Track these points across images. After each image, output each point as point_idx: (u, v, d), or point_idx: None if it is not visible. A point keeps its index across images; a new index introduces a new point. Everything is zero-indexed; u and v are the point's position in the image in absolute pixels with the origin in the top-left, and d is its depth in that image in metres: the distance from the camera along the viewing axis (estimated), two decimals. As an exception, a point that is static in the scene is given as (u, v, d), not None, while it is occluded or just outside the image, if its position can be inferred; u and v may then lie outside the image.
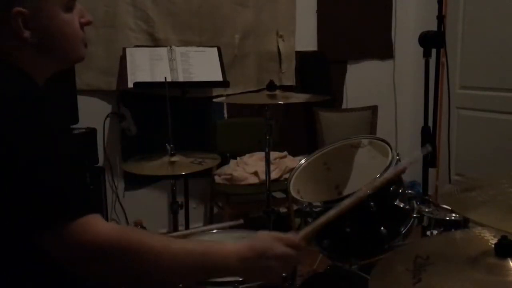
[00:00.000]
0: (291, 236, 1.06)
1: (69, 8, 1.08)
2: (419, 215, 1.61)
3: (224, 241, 1.71)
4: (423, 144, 2.12)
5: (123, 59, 2.98)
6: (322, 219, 1.14)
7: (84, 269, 0.95)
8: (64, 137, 1.01)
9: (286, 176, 2.95)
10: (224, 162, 3.18)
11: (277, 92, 2.15)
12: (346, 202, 1.20)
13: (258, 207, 2.66)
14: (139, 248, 0.94)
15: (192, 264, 0.97)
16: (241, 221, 1.76)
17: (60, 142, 0.97)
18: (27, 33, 1.02)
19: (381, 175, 1.58)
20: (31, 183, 0.91)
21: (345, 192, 1.65)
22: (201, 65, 3.06)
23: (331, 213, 1.16)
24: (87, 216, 0.92)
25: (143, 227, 1.62)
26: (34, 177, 0.91)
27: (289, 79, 3.65)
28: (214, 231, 1.84)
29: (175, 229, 2.80)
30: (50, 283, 1.03)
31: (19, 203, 0.91)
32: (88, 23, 1.14)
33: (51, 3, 1.04)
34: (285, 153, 3.26)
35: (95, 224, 0.93)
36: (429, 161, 2.13)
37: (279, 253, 1.01)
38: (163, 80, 2.67)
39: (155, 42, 3.16)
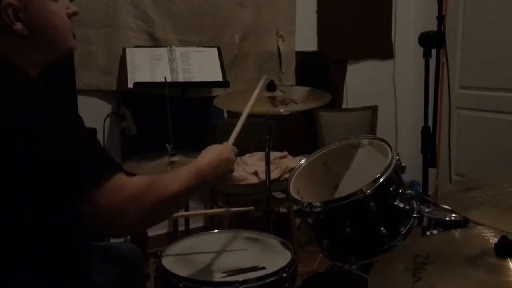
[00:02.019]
0: (226, 145, 1.43)
1: None
2: (419, 215, 1.61)
3: (223, 241, 1.72)
4: (423, 144, 2.12)
5: (123, 59, 2.97)
6: (239, 123, 1.59)
7: (122, 225, 1.06)
8: (72, 117, 1.09)
9: (286, 176, 2.95)
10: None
11: (278, 93, 2.14)
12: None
13: (258, 207, 2.65)
14: (160, 184, 1.12)
15: (194, 183, 1.20)
16: (251, 208, 1.80)
17: (70, 122, 1.05)
18: (18, 25, 1.03)
19: (381, 175, 1.58)
20: (57, 163, 0.98)
21: (345, 192, 1.65)
22: (201, 65, 3.06)
23: (244, 115, 1.61)
24: (115, 176, 1.04)
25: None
26: (58, 157, 0.98)
27: (289, 79, 3.65)
28: (215, 231, 1.84)
29: (175, 229, 2.81)
30: (58, 272, 1.11)
31: (54, 182, 0.99)
32: (75, 14, 1.15)
33: None
34: (285, 153, 3.26)
35: (127, 179, 1.07)
36: (429, 161, 2.13)
37: (227, 158, 1.35)
38: (163, 80, 2.67)
39: (155, 42, 3.16)
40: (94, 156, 1.05)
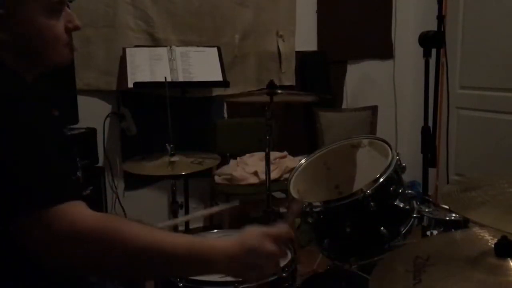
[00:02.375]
0: (279, 229, 1.02)
1: (53, 12, 1.06)
2: (419, 215, 1.61)
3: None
4: (423, 144, 2.12)
5: (123, 59, 2.97)
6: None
7: (59, 258, 0.90)
8: (45, 127, 0.98)
9: (286, 176, 2.95)
10: (224, 162, 3.18)
11: (278, 91, 2.14)
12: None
13: (258, 207, 2.65)
14: (126, 235, 0.90)
15: (178, 256, 0.92)
16: (236, 203, 1.76)
17: (40, 131, 0.95)
18: (2, 34, 1.02)
19: (381, 175, 1.58)
20: (9, 169, 0.89)
21: (345, 192, 1.65)
22: (201, 65, 3.06)
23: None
24: (67, 203, 0.89)
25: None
26: (13, 164, 0.89)
27: (289, 79, 3.65)
28: (215, 231, 1.84)
29: (175, 229, 2.80)
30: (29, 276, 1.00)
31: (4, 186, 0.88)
32: (76, 29, 1.12)
33: (30, 6, 1.02)
34: (285, 153, 3.26)
35: (75, 211, 0.90)
36: (429, 161, 2.13)
37: (268, 251, 0.97)
38: (163, 80, 2.67)
39: (155, 42, 3.16)
40: (51, 175, 0.92)
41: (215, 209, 1.84)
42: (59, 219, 0.88)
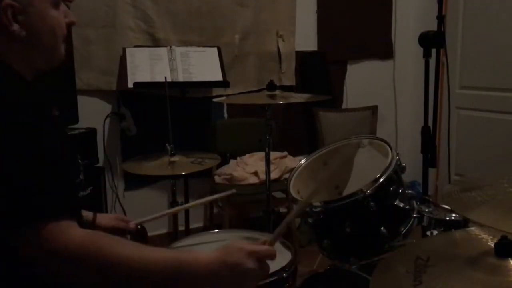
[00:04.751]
0: (263, 246, 1.05)
1: (56, 4, 1.08)
2: (419, 215, 1.61)
3: (225, 240, 1.72)
4: (423, 144, 2.12)
5: (123, 59, 2.97)
6: (288, 218, 1.16)
7: (53, 272, 0.93)
8: (47, 140, 0.98)
9: (286, 176, 2.95)
10: (224, 162, 3.18)
11: (277, 92, 2.15)
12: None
13: (258, 207, 2.65)
14: (109, 255, 0.93)
15: (163, 272, 0.96)
16: (233, 191, 1.77)
17: (41, 145, 0.95)
18: (16, 26, 1.02)
19: (381, 175, 1.58)
20: (6, 182, 0.90)
21: (345, 192, 1.65)
22: (201, 65, 3.06)
23: (295, 211, 1.34)
24: (60, 222, 0.92)
25: (143, 227, 1.62)
26: (10, 176, 0.90)
27: (289, 79, 3.65)
28: (215, 230, 1.84)
29: (175, 229, 2.80)
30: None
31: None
32: (72, 24, 1.13)
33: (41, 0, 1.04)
34: (285, 153, 3.26)
35: (67, 230, 0.92)
36: (429, 161, 2.13)
37: (250, 268, 1.00)
38: (163, 80, 2.67)
39: (155, 42, 3.16)
40: (54, 192, 0.93)
41: (213, 197, 1.84)
42: (53, 236, 0.90)
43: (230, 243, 1.03)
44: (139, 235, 1.61)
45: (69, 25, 1.13)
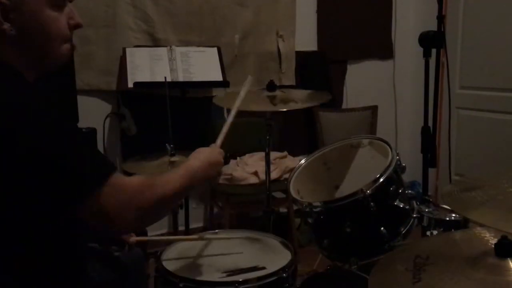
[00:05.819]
0: (218, 149, 1.48)
1: (57, 6, 1.06)
2: (419, 215, 1.62)
3: (223, 241, 1.73)
4: (423, 144, 2.11)
5: (123, 59, 2.97)
6: (226, 125, 1.63)
7: (122, 224, 1.10)
8: (67, 121, 1.07)
9: (286, 176, 2.95)
10: (224, 162, 3.17)
11: (277, 92, 2.14)
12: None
13: (258, 207, 2.65)
14: (157, 182, 1.16)
15: (186, 183, 1.24)
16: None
17: (66, 126, 1.04)
18: (6, 25, 1.00)
19: (381, 175, 1.58)
20: (56, 168, 0.98)
21: (345, 192, 1.65)
22: (201, 65, 3.06)
23: (231, 117, 1.67)
24: (113, 177, 1.06)
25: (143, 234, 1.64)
26: (57, 161, 0.98)
27: (289, 79, 3.65)
28: (216, 231, 1.84)
29: (175, 229, 2.80)
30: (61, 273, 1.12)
31: (55, 185, 0.99)
32: (77, 26, 1.12)
33: None
34: (285, 153, 3.26)
35: (121, 181, 1.09)
36: (429, 161, 2.13)
37: (220, 161, 1.44)
38: (163, 80, 2.67)
39: (155, 42, 3.16)
40: (91, 159, 1.05)
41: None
42: (117, 186, 1.06)
43: (201, 149, 1.43)
44: (138, 244, 1.64)
45: (74, 27, 1.11)
